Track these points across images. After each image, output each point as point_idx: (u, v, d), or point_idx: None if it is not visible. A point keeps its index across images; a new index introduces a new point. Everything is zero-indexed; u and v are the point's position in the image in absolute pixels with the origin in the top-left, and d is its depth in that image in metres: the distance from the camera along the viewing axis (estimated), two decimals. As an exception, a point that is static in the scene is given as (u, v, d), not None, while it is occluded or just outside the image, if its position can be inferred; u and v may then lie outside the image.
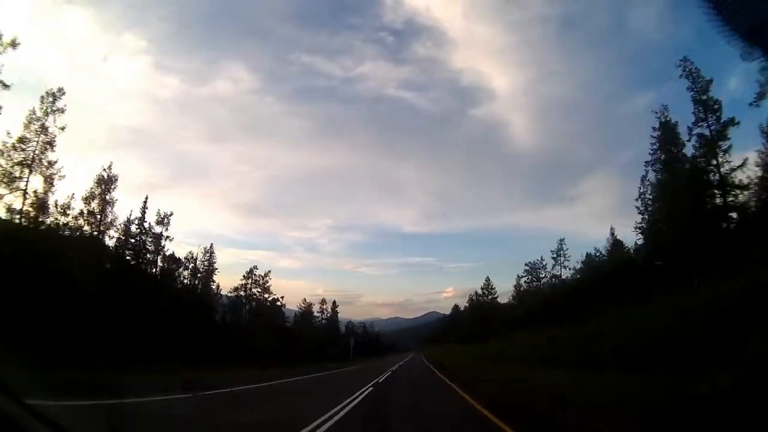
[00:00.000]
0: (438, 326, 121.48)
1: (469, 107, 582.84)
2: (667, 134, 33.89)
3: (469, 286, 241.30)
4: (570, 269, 60.33)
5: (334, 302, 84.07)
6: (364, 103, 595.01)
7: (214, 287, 52.73)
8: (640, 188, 36.60)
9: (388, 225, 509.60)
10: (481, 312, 70.44)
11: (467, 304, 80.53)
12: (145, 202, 35.57)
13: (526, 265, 66.24)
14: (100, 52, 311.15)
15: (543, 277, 64.19)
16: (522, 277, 67.15)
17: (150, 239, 36.05)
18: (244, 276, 53.38)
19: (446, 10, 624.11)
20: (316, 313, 76.98)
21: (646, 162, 34.88)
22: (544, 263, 63.95)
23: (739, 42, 2.02)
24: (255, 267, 54.28)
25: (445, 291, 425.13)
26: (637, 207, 35.72)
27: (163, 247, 36.09)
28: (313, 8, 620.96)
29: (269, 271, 56.32)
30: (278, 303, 63.50)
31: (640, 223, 35.49)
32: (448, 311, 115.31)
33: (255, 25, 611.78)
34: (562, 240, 61.68)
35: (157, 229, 36.81)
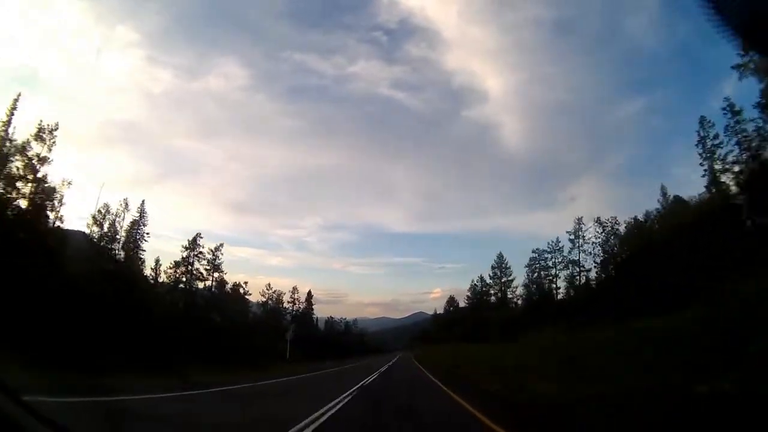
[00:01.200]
0: (427, 326, 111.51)
1: (461, 108, 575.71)
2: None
3: (457, 288, 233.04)
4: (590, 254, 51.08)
5: (309, 292, 71.93)
6: (356, 103, 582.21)
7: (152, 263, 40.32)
8: (699, 132, 34.14)
9: (377, 225, 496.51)
10: (487, 303, 59.14)
11: (468, 294, 68.71)
12: (16, 100, 23.39)
13: (533, 251, 56.39)
14: (93, 44, 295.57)
15: (560, 262, 54.20)
16: (532, 265, 57.31)
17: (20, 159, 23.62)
18: (184, 247, 40.62)
19: (441, 11, 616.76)
20: (286, 305, 64.73)
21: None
22: (560, 245, 54.16)
23: (738, 40, 1.87)
24: (199, 235, 41.41)
25: (432, 292, 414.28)
26: (699, 153, 33.85)
27: (37, 171, 23.53)
28: (307, 6, 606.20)
29: (221, 244, 43.82)
30: (240, 288, 51.28)
31: (703, 175, 33.35)
32: (436, 311, 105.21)
33: (248, 21, 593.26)
34: (579, 219, 51.87)
35: (36, 148, 24.50)
